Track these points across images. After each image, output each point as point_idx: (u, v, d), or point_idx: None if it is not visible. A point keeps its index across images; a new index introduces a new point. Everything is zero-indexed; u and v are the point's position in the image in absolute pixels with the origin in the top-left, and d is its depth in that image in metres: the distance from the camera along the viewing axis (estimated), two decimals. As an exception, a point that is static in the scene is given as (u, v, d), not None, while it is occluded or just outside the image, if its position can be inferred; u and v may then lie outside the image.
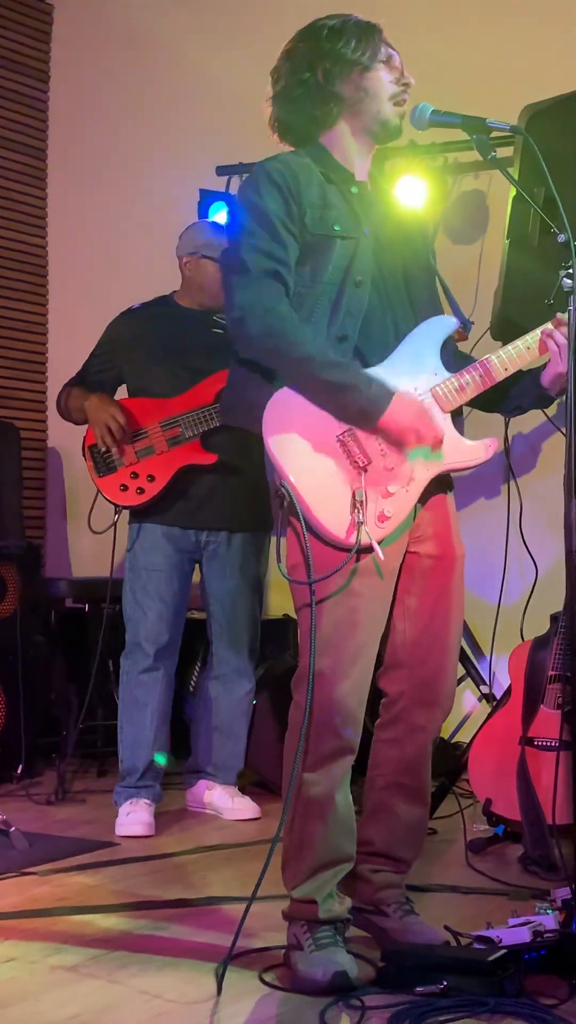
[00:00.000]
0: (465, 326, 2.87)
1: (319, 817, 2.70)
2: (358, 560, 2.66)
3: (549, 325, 2.77)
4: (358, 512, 2.63)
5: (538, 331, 2.79)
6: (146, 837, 3.99)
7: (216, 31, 5.67)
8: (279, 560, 2.72)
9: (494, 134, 2.84)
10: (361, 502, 2.63)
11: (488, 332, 4.35)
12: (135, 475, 4.15)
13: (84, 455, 4.24)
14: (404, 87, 2.80)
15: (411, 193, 4.84)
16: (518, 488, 4.79)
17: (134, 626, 4.19)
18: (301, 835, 2.71)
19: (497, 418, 3.45)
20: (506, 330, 4.20)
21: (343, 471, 2.66)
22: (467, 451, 2.78)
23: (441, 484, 2.82)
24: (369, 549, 2.64)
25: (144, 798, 4.11)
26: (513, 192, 4.05)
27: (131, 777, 4.13)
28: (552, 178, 2.74)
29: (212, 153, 5.43)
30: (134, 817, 4.04)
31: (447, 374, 2.77)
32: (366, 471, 2.66)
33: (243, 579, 4.26)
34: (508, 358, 2.78)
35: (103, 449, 4.17)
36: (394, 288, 2.81)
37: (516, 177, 3.41)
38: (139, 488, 4.14)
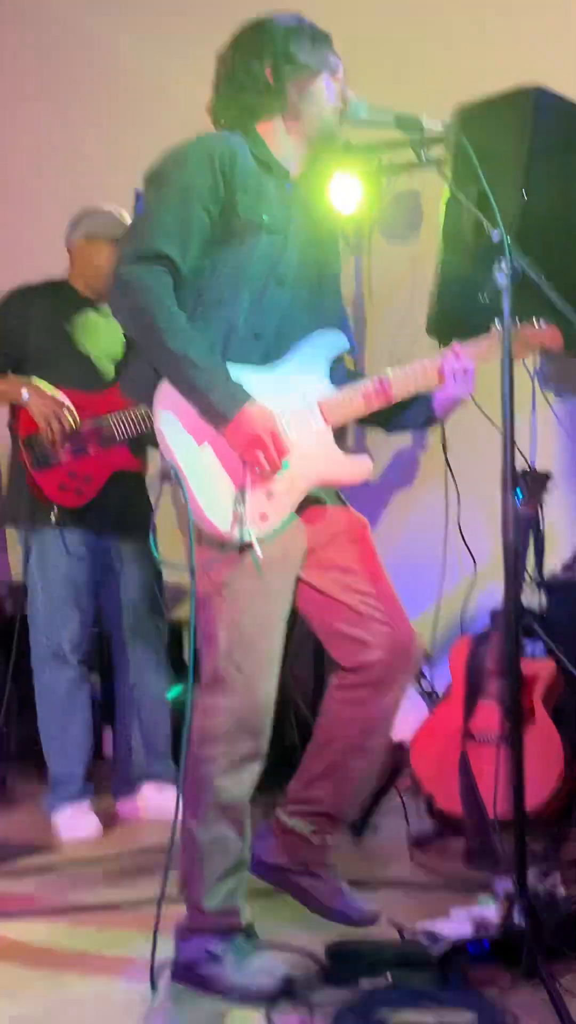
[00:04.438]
0: (352, 349, 2.91)
1: (233, 821, 2.68)
2: (241, 554, 2.64)
3: (448, 351, 2.83)
4: (240, 507, 2.62)
5: (437, 357, 2.83)
6: (95, 840, 3.97)
7: (156, 32, 5.64)
8: (153, 545, 2.72)
9: (427, 133, 2.86)
10: (242, 497, 2.63)
11: (424, 330, 4.38)
12: (73, 475, 4.02)
13: (19, 445, 4.02)
14: (343, 98, 2.84)
15: (345, 194, 4.85)
16: (455, 483, 4.82)
17: (52, 636, 4.09)
18: (211, 842, 2.66)
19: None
20: (441, 329, 4.23)
21: (229, 465, 2.65)
22: (346, 466, 2.81)
23: (323, 495, 2.83)
24: (250, 545, 2.64)
25: (84, 800, 4.10)
26: (446, 191, 4.08)
27: (69, 785, 4.09)
28: (485, 176, 2.77)
29: (149, 155, 5.40)
30: (82, 821, 4.03)
31: (333, 388, 2.80)
32: (250, 469, 2.65)
33: (148, 581, 4.25)
34: (403, 378, 2.81)
35: (40, 442, 3.98)
36: (307, 291, 2.84)
37: (449, 176, 3.44)
38: (78, 490, 4.03)
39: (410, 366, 2.83)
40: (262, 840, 2.85)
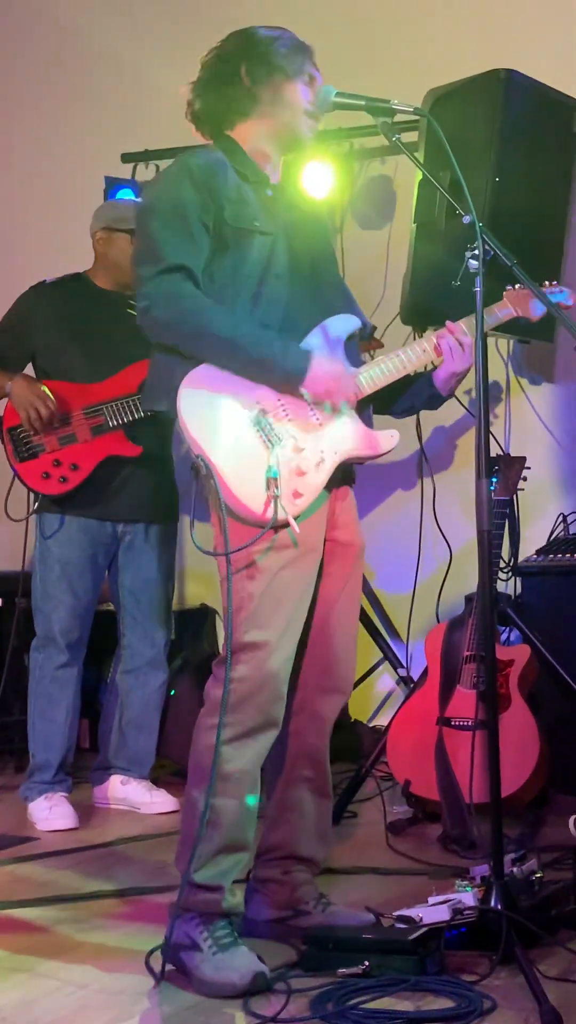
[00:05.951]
0: (365, 327, 2.94)
1: (232, 795, 2.67)
2: (276, 533, 2.69)
3: (443, 329, 2.88)
4: (273, 487, 2.67)
5: (433, 335, 2.89)
6: (72, 830, 3.95)
7: (122, 17, 5.61)
8: (193, 536, 2.74)
9: (398, 118, 2.86)
10: (275, 479, 2.67)
11: (398, 317, 4.38)
12: (58, 463, 4.05)
13: (2, 438, 4.11)
14: (316, 104, 2.86)
15: (317, 179, 4.83)
16: (432, 475, 4.82)
17: (45, 620, 4.12)
18: (210, 811, 2.64)
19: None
20: (415, 314, 4.24)
21: (257, 449, 2.70)
22: (373, 441, 2.86)
23: (345, 477, 2.90)
24: (286, 524, 2.68)
25: (60, 791, 4.08)
26: (419, 176, 4.07)
27: (45, 772, 4.09)
28: (456, 160, 2.76)
29: (117, 140, 5.39)
30: (58, 811, 4.01)
31: (352, 369, 2.85)
32: (278, 450, 2.71)
33: (159, 571, 4.23)
34: (406, 359, 2.88)
35: (25, 433, 4.05)
36: (303, 283, 2.87)
37: (421, 161, 3.43)
38: (62, 477, 4.05)
39: (405, 348, 2.89)
40: (247, 903, 2.85)
